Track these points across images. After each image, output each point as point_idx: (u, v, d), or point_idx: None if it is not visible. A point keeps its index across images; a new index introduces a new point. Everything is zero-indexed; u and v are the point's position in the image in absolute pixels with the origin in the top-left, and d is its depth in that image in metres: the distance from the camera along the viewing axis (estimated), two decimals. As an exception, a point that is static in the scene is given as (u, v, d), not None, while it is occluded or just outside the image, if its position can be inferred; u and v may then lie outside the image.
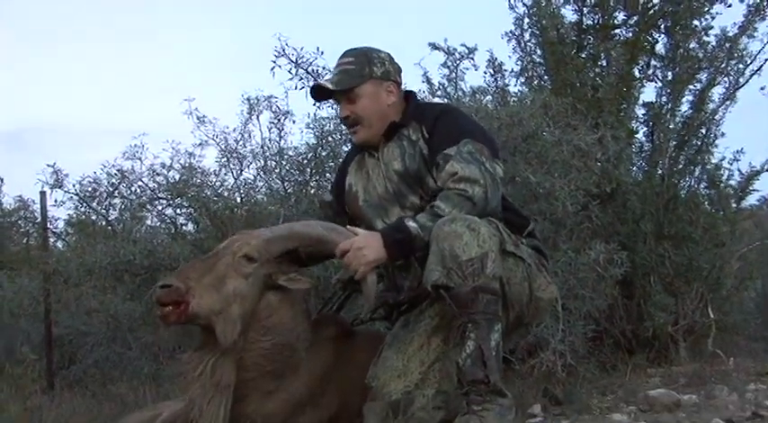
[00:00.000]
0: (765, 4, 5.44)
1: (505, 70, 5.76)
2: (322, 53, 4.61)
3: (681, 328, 4.92)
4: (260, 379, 2.88)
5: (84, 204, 5.15)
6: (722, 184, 5.38)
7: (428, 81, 5.70)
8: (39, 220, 6.22)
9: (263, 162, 5.28)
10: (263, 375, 2.89)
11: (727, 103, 5.46)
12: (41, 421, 3.74)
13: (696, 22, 5.46)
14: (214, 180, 5.28)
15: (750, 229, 6.39)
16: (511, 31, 5.80)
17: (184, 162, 5.23)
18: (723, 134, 5.43)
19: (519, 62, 5.76)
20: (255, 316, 2.83)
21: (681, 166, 5.41)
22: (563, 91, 5.26)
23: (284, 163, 5.14)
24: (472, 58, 5.68)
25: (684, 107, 5.45)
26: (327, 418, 3.03)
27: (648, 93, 5.58)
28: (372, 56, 3.22)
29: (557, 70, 5.46)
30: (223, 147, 5.33)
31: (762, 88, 5.69)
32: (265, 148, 5.30)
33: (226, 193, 5.17)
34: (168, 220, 5.16)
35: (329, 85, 3.16)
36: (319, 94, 3.31)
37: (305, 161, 5.06)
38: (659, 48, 5.61)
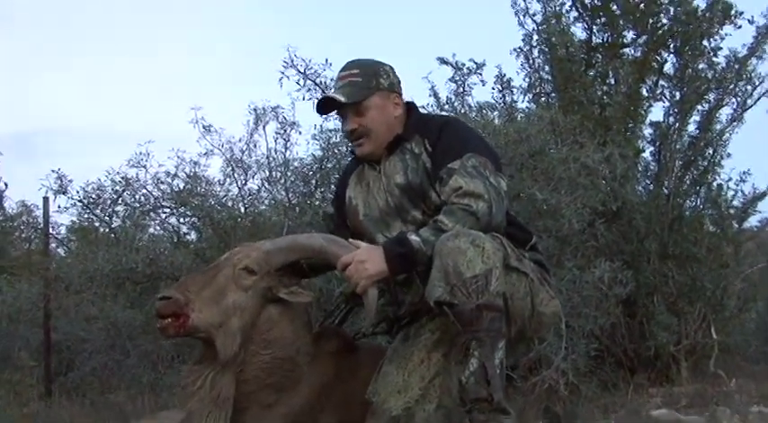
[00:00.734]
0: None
1: (513, 86, 5.76)
2: (330, 65, 4.62)
3: (683, 347, 4.90)
4: (259, 392, 2.85)
5: (88, 211, 5.13)
6: (725, 205, 5.36)
7: (435, 95, 5.68)
8: (41, 225, 6.19)
9: (267, 172, 5.27)
10: (263, 388, 2.86)
11: (734, 123, 5.45)
12: (39, 428, 3.70)
13: (705, 43, 5.45)
14: (218, 190, 5.28)
15: (753, 250, 6.37)
16: (519, 48, 5.82)
17: (189, 171, 5.21)
18: (729, 155, 5.42)
19: (527, 79, 5.77)
20: (256, 329, 2.81)
21: (686, 186, 5.40)
22: (571, 108, 5.25)
23: (289, 174, 5.13)
24: (480, 74, 5.66)
25: (691, 127, 5.46)
26: (327, 432, 3.01)
27: (656, 112, 5.58)
28: (378, 68, 3.19)
29: (565, 87, 5.46)
30: (228, 156, 5.33)
31: (769, 110, 5.69)
32: (271, 158, 5.29)
33: (230, 203, 5.15)
34: (171, 229, 5.14)
35: (341, 98, 3.12)
36: (325, 107, 3.27)
37: (310, 172, 5.05)
38: (668, 67, 5.63)
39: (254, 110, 5.32)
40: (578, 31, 5.67)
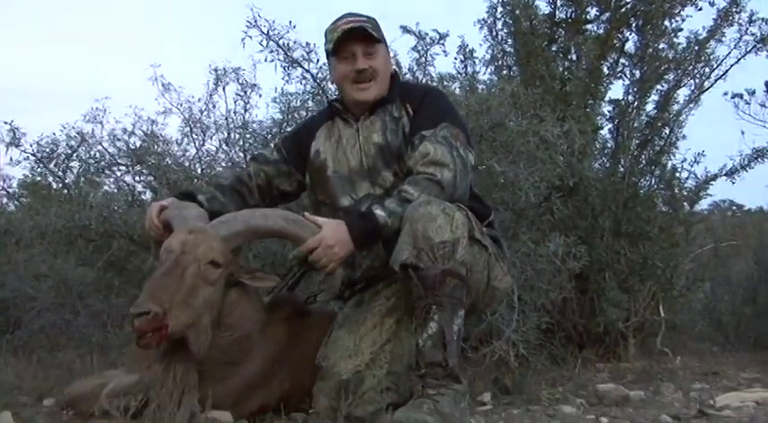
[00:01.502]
0: (734, 9, 5.47)
1: (476, 58, 5.75)
2: (294, 26, 4.55)
3: (631, 325, 4.96)
4: (215, 369, 2.84)
5: (41, 165, 5.03)
6: (678, 186, 5.42)
7: (397, 64, 5.64)
8: (-9, 178, 6.06)
9: (226, 134, 5.21)
10: (219, 366, 2.85)
11: (691, 105, 5.49)
12: (-16, 387, 3.64)
13: (667, 23, 5.48)
14: (176, 149, 5.21)
15: (703, 232, 6.48)
16: (483, 19, 5.79)
17: (146, 129, 5.14)
18: (684, 136, 5.46)
19: (489, 51, 5.75)
20: (218, 315, 2.78)
21: (642, 165, 5.44)
22: (532, 82, 5.26)
23: (248, 136, 5.08)
24: (443, 44, 5.64)
25: (650, 106, 5.49)
26: (278, 397, 3.02)
27: (616, 90, 5.61)
28: (379, 23, 3.20)
29: (527, 61, 5.46)
30: (187, 116, 5.26)
31: (725, 94, 5.76)
32: (230, 119, 5.23)
33: (187, 163, 5.09)
34: (126, 188, 5.07)
35: (373, 32, 3.09)
36: (337, 43, 3.13)
37: (269, 135, 5.00)
38: (629, 46, 5.64)
39: (215, 70, 5.25)
40: (542, 5, 5.67)
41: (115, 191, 5.09)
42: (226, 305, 2.81)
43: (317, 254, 2.76)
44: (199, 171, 5.07)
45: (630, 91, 5.50)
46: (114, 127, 5.12)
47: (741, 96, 5.80)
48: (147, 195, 5.04)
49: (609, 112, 5.56)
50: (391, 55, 3.50)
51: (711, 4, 5.48)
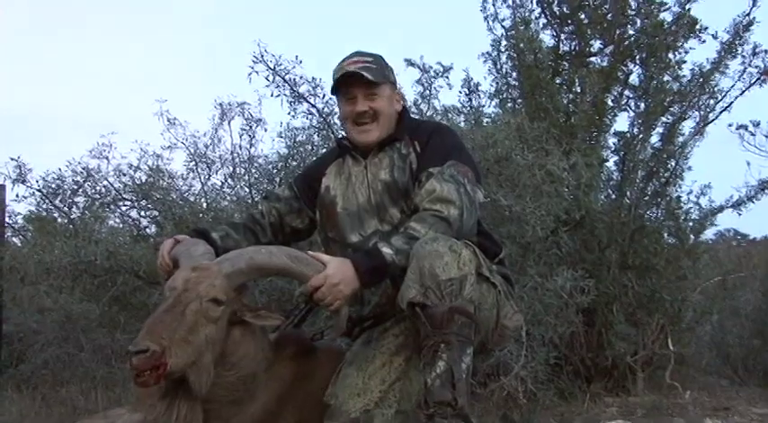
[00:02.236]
0: (738, 42, 5.49)
1: (481, 91, 5.76)
2: (301, 62, 4.58)
3: (640, 358, 4.92)
4: (221, 408, 2.80)
5: (47, 201, 5.03)
6: (682, 217, 5.41)
7: (401, 97, 5.66)
8: (-3, 213, 6.05)
9: (231, 168, 5.22)
10: (224, 405, 2.82)
11: (697, 137, 5.49)
12: (-13, 423, 3.62)
13: (670, 56, 5.50)
14: (181, 184, 5.21)
15: (709, 263, 6.45)
16: (488, 53, 5.81)
17: (152, 164, 5.15)
18: (690, 168, 5.47)
19: (494, 84, 5.77)
20: (222, 354, 2.75)
21: (648, 197, 5.43)
22: (537, 115, 5.27)
23: (253, 170, 5.09)
24: (447, 77, 5.67)
25: (655, 139, 5.49)
26: (285, 436, 2.98)
27: (621, 122, 5.63)
28: (386, 62, 3.20)
29: (532, 94, 5.47)
30: (192, 151, 5.27)
31: (730, 125, 5.76)
32: (235, 154, 5.24)
33: (192, 198, 5.09)
34: (131, 222, 5.07)
35: (368, 76, 3.09)
36: (337, 86, 3.17)
37: (274, 170, 5.00)
38: (633, 78, 5.66)
39: (220, 105, 5.27)
40: (547, 38, 5.70)
41: (120, 226, 5.09)
42: (230, 343, 2.77)
43: (322, 292, 2.73)
44: (204, 206, 5.06)
45: (635, 123, 5.51)
46: (120, 162, 5.15)
47: (746, 128, 5.79)
48: (152, 230, 5.04)
49: (614, 144, 5.57)
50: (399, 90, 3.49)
51: (715, 37, 5.51)
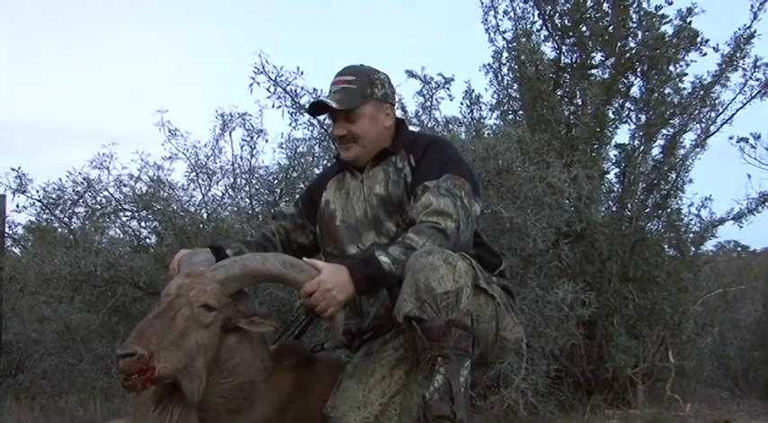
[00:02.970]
0: (739, 55, 5.50)
1: (482, 102, 5.77)
2: (302, 73, 4.58)
3: (640, 370, 4.91)
4: (217, 417, 2.79)
5: (47, 211, 5.03)
6: (683, 230, 5.41)
7: (403, 108, 5.68)
8: (-3, 223, 6.05)
9: (232, 179, 5.22)
10: (222, 413, 2.81)
11: (697, 149, 5.50)
12: (-14, 433, 3.61)
13: (671, 68, 5.51)
14: (181, 194, 5.21)
15: (709, 275, 6.45)
16: (489, 64, 5.82)
17: (153, 174, 5.14)
18: (691, 180, 5.47)
19: (495, 95, 5.78)
20: (216, 360, 2.74)
21: (649, 210, 5.43)
22: (538, 127, 5.27)
23: (254, 181, 5.09)
24: (448, 89, 5.68)
25: (656, 151, 5.50)
26: (283, 448, 2.96)
27: (622, 135, 5.64)
28: (373, 77, 3.17)
29: (533, 106, 5.47)
30: (193, 161, 5.27)
31: (731, 138, 5.77)
32: (236, 165, 5.25)
33: (193, 209, 5.09)
34: (132, 233, 5.06)
35: (333, 104, 3.07)
36: (317, 109, 3.23)
37: (275, 181, 5.01)
38: (634, 91, 5.67)
39: (221, 115, 5.27)
40: (548, 51, 5.71)
41: (121, 236, 5.08)
42: (225, 350, 2.76)
43: (315, 298, 2.71)
44: (205, 217, 5.06)
45: (636, 135, 5.52)
46: (120, 173, 5.14)
47: (746, 140, 5.80)
48: (153, 241, 5.03)
49: (615, 156, 5.58)
50: (396, 99, 3.46)
51: (716, 50, 5.52)
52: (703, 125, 5.52)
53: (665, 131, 5.49)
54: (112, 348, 5.31)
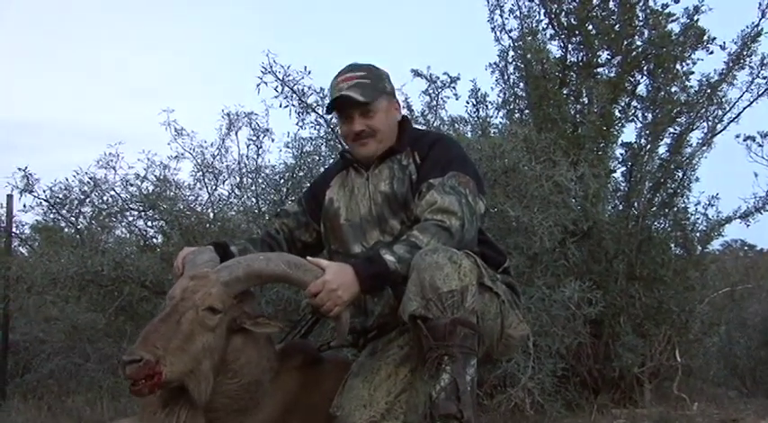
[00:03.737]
0: (746, 53, 5.49)
1: (488, 101, 5.76)
2: (309, 73, 4.58)
3: (647, 369, 4.90)
4: (224, 417, 2.80)
5: (54, 211, 5.04)
6: (690, 228, 5.39)
7: (408, 108, 5.67)
8: (4, 223, 6.07)
9: (238, 179, 5.23)
10: (229, 414, 2.81)
11: (704, 148, 5.48)
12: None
13: (678, 67, 5.50)
14: (188, 194, 5.22)
15: (716, 274, 6.43)
16: (495, 63, 5.82)
17: (159, 174, 5.16)
18: (698, 179, 5.46)
19: (501, 94, 5.78)
20: (223, 361, 2.74)
21: (655, 208, 5.42)
22: (544, 126, 5.26)
23: (260, 181, 5.10)
24: (454, 88, 5.67)
25: (662, 149, 5.49)
26: (289, 446, 2.96)
27: (628, 133, 5.62)
28: (382, 72, 3.17)
29: (539, 105, 5.47)
30: (199, 161, 5.27)
31: (737, 136, 5.75)
32: (242, 164, 5.26)
33: (199, 208, 5.10)
34: (138, 232, 5.07)
35: (359, 97, 3.07)
36: (333, 106, 3.19)
37: (281, 180, 5.01)
38: (640, 89, 5.66)
39: (228, 115, 5.28)
40: (554, 49, 5.70)
41: (127, 236, 5.09)
42: (231, 351, 2.76)
43: (320, 298, 2.70)
44: (211, 216, 5.07)
45: (643, 134, 5.51)
46: (127, 172, 5.15)
47: (753, 139, 5.78)
48: (159, 240, 5.04)
49: (621, 155, 5.56)
50: (402, 98, 3.46)
51: (723, 48, 5.51)
52: (710, 123, 5.51)
53: (671, 130, 5.48)
54: (119, 348, 5.32)
